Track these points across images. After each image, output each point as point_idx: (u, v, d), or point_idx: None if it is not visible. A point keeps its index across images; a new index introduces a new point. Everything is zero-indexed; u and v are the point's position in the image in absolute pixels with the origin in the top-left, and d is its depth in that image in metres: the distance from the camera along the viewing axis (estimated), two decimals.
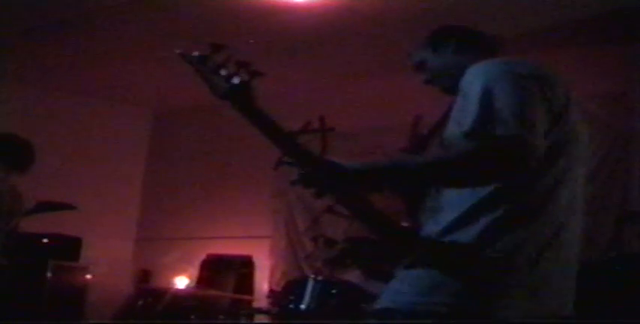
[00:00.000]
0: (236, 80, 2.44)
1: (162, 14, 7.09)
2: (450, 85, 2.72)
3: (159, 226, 9.86)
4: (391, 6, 6.68)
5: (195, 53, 2.47)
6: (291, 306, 5.76)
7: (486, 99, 2.31)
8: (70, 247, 8.47)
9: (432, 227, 2.48)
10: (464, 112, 2.36)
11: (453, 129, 2.44)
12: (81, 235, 8.44)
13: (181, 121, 10.14)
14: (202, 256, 8.87)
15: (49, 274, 7.94)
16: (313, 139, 8.00)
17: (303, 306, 5.62)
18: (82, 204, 7.89)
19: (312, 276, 5.79)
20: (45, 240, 8.21)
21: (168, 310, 7.99)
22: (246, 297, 8.22)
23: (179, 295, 8.20)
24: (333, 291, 5.73)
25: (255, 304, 8.02)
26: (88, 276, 8.46)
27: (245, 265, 8.60)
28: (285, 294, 6.10)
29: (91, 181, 9.40)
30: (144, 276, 9.35)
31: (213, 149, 9.59)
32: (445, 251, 2.40)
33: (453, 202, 2.43)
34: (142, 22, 7.35)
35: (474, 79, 2.42)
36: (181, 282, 8.76)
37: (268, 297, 7.08)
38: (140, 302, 8.42)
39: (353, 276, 6.28)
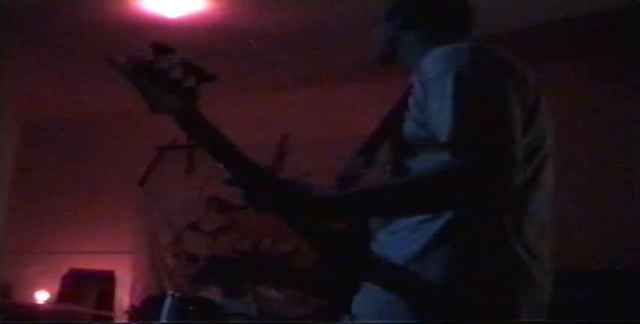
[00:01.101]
0: (186, 90, 2.19)
1: (31, 20, 6.98)
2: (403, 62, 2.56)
3: (21, 239, 9.68)
4: (268, 21, 6.76)
5: (130, 62, 2.15)
6: (149, 322, 5.78)
7: (461, 101, 2.07)
8: None
9: (389, 240, 2.29)
10: (430, 113, 2.16)
11: (413, 129, 2.26)
12: None
13: (50, 133, 10.01)
14: (64, 271, 8.76)
15: None
16: (178, 155, 8.02)
17: (160, 322, 5.65)
18: None
19: (170, 292, 5.82)
20: None
21: None
22: (106, 313, 8.17)
23: (39, 311, 8.10)
24: (191, 308, 5.76)
25: (116, 320, 7.99)
26: None
27: (107, 281, 8.56)
28: (144, 310, 6.13)
29: None
30: (5, 290, 9.20)
31: (80, 162, 9.49)
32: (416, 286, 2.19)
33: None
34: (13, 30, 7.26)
35: (441, 71, 2.16)
36: (42, 296, 8.66)
37: (127, 313, 7.09)
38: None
39: (213, 293, 6.35)
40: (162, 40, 2.19)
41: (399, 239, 2.24)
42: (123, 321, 7.53)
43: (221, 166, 2.31)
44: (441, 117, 2.09)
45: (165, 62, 2.15)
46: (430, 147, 2.18)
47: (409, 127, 2.27)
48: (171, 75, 2.15)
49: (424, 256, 2.16)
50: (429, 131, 2.16)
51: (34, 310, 8.23)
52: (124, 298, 8.49)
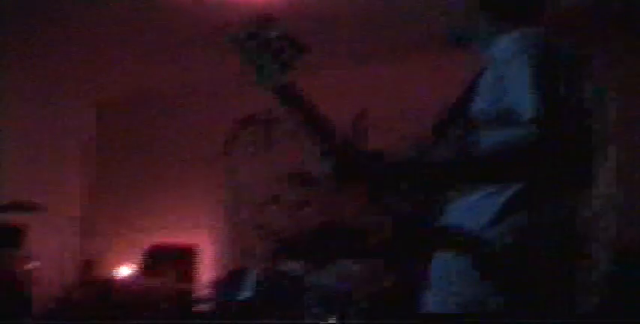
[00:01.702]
0: (287, 60, 2.35)
1: None
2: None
3: (103, 216, 9.81)
4: None
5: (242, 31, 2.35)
6: (232, 296, 5.77)
7: (539, 81, 2.23)
8: (12, 236, 8.38)
9: (462, 208, 2.38)
10: (507, 92, 2.29)
11: (484, 106, 2.39)
12: (24, 224, 8.35)
13: (129, 109, 10.08)
14: (146, 246, 8.85)
15: None
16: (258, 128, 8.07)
17: (244, 296, 5.64)
18: (26, 193, 7.84)
19: (254, 266, 5.81)
20: None
21: (112, 301, 7.97)
22: (188, 286, 8.19)
23: (123, 285, 8.17)
24: (275, 281, 5.74)
25: (198, 294, 8.02)
26: (31, 266, 8.38)
27: (188, 255, 8.61)
28: (227, 284, 6.12)
29: (35, 171, 9.31)
30: (88, 266, 9.29)
31: (160, 138, 9.56)
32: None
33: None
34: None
35: (519, 53, 2.31)
36: (126, 272, 8.73)
37: (210, 287, 7.10)
38: (84, 292, 8.39)
39: (294, 267, 6.32)
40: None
41: (472, 207, 2.33)
42: (205, 295, 7.55)
43: (306, 138, 2.37)
44: (520, 96, 2.24)
45: (271, 32, 2.33)
46: (503, 123, 2.30)
47: (480, 105, 2.39)
48: (275, 45, 2.32)
49: (498, 223, 2.26)
50: (504, 109, 2.29)
51: (117, 285, 8.30)
52: (205, 273, 8.51)
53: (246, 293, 5.72)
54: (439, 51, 6.33)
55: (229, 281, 6.24)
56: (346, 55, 8.13)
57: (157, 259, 8.66)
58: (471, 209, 2.33)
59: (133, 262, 8.87)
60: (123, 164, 9.86)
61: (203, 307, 6.97)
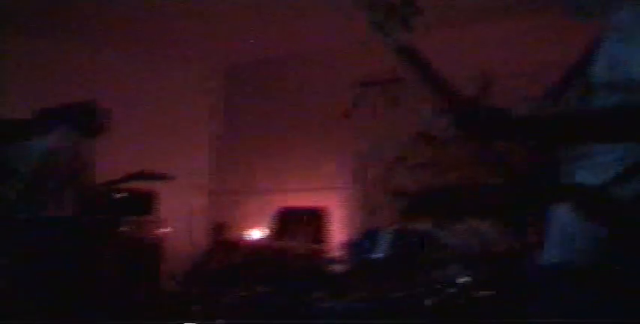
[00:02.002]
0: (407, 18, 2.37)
1: None
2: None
3: (232, 180, 9.93)
4: None
5: None
6: (366, 256, 5.76)
7: None
8: (143, 202, 8.50)
9: (585, 166, 2.37)
10: (629, 61, 2.25)
11: (605, 71, 2.34)
12: (155, 189, 8.46)
13: (250, 74, 10.14)
14: (276, 209, 8.91)
15: (123, 229, 7.97)
16: (383, 89, 8.03)
17: (377, 256, 5.62)
18: (154, 158, 7.96)
19: (386, 226, 5.78)
20: (118, 195, 8.22)
21: (243, 264, 8.05)
22: (320, 248, 8.22)
23: (255, 248, 8.24)
24: (407, 240, 5.70)
25: (330, 255, 8.03)
26: (163, 230, 8.51)
27: (318, 217, 8.63)
28: (361, 244, 6.11)
29: (162, 135, 9.43)
30: (219, 229, 9.39)
31: (284, 101, 9.59)
32: None
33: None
34: None
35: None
36: (256, 234, 8.80)
37: (342, 248, 7.09)
38: (216, 255, 8.49)
39: (424, 226, 6.27)
40: None
41: (596, 165, 2.30)
42: (338, 256, 7.57)
43: (430, 98, 2.36)
44: None
45: None
46: (621, 90, 2.25)
47: (601, 69, 2.33)
48: (400, 4, 2.35)
49: (623, 180, 2.21)
50: (623, 76, 2.24)
51: (248, 249, 8.37)
52: (335, 234, 8.52)
53: (378, 253, 5.69)
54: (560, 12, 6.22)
55: (361, 241, 6.22)
56: (468, 12, 7.99)
57: (287, 222, 8.71)
58: (594, 167, 2.30)
59: (263, 225, 8.94)
60: (250, 128, 9.92)
61: (336, 268, 6.96)
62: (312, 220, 8.58)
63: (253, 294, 6.93)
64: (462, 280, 5.46)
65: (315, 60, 9.35)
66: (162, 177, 7.18)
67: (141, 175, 6.71)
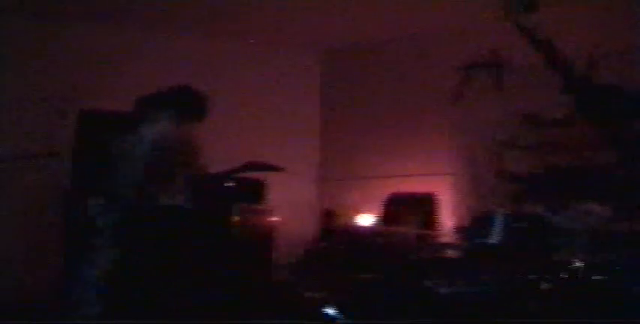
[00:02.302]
0: None
1: None
2: None
3: (340, 167, 9.95)
4: None
5: None
6: (479, 240, 5.71)
7: None
8: (253, 190, 8.56)
9: None
10: None
11: None
12: (263, 178, 8.51)
13: (351, 60, 10.13)
14: (385, 195, 8.90)
15: (235, 218, 8.05)
16: (486, 72, 7.96)
17: (491, 240, 5.58)
18: (260, 148, 8.00)
19: (499, 210, 5.72)
20: (229, 184, 8.27)
21: (354, 250, 8.05)
22: (432, 233, 8.17)
23: (366, 233, 8.24)
24: (521, 224, 5.64)
25: (442, 241, 7.99)
26: (274, 218, 8.57)
27: (428, 203, 8.59)
28: (473, 229, 6.07)
29: (267, 125, 9.48)
30: (328, 216, 9.42)
31: (386, 86, 9.56)
32: None
33: None
34: None
35: None
36: (366, 221, 8.79)
37: (455, 233, 7.06)
38: (327, 242, 8.52)
39: (537, 209, 6.19)
40: None
41: None
42: (451, 241, 7.53)
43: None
44: None
45: None
46: None
47: None
48: None
49: None
50: None
51: (359, 235, 8.37)
52: (446, 219, 8.48)
53: (492, 237, 5.64)
54: None
55: (474, 226, 6.18)
56: None
57: (397, 207, 8.69)
58: None
59: (373, 212, 8.93)
60: (358, 114, 9.91)
61: (450, 253, 6.93)
62: (422, 206, 8.54)
63: (366, 280, 6.93)
64: (577, 264, 5.38)
65: (419, 43, 9.28)
66: (274, 168, 7.20)
67: (254, 166, 6.75)
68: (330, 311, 5.85)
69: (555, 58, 2.24)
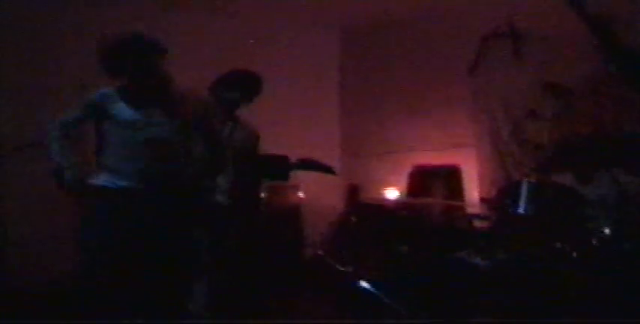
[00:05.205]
0: None
1: None
2: None
3: (363, 141, 9.96)
4: None
5: None
6: (508, 210, 5.75)
7: None
8: (280, 168, 8.56)
9: None
10: None
11: None
12: (289, 154, 8.53)
13: (369, 36, 10.12)
14: (409, 168, 8.95)
15: (263, 195, 8.09)
16: (504, 42, 7.97)
17: (520, 210, 5.61)
18: (283, 125, 8.05)
19: (527, 179, 5.76)
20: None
21: (380, 223, 8.11)
22: (459, 204, 8.23)
23: (393, 207, 8.27)
24: (549, 194, 5.67)
25: (469, 212, 8.02)
26: (300, 195, 8.63)
27: (453, 175, 8.62)
28: (500, 199, 6.10)
29: (288, 103, 9.49)
30: (354, 191, 9.48)
31: (407, 59, 9.53)
32: None
33: None
34: None
35: None
36: (391, 194, 8.84)
37: (482, 203, 7.10)
38: (354, 217, 8.57)
39: (565, 179, 6.23)
40: None
41: None
42: (475, 212, 7.58)
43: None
44: None
45: None
46: None
47: None
48: None
49: None
50: None
51: (385, 208, 8.41)
52: (471, 190, 8.52)
53: (520, 207, 5.68)
54: None
55: (501, 196, 6.21)
56: None
57: (422, 180, 8.72)
58: None
59: (399, 185, 8.98)
60: (380, 88, 9.92)
61: (479, 224, 6.98)
62: (448, 178, 8.57)
63: (395, 253, 7.01)
64: (606, 231, 5.44)
65: (435, 16, 9.24)
66: (328, 170, 7.23)
67: (310, 165, 6.85)
68: (364, 285, 5.94)
69: (600, 28, 2.28)
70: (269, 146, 8.07)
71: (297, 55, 9.81)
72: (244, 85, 5.96)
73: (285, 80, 9.53)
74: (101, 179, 4.66)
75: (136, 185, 4.62)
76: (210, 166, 5.13)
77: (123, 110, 4.68)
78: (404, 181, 8.96)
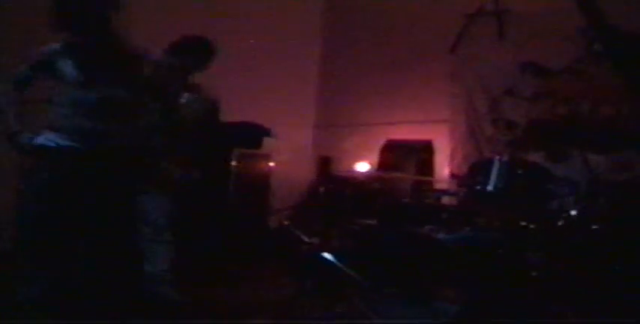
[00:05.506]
0: None
1: None
2: None
3: (337, 113, 9.92)
4: None
5: None
6: (477, 187, 5.71)
7: None
8: (252, 136, 8.52)
9: None
10: None
11: None
12: (263, 123, 8.48)
13: (354, 8, 10.05)
14: (382, 142, 8.89)
15: (233, 163, 8.03)
16: (488, 21, 7.92)
17: (490, 187, 5.58)
18: (259, 93, 7.96)
19: (498, 157, 5.71)
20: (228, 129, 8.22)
21: (350, 196, 8.08)
22: (428, 179, 8.18)
23: (362, 179, 8.24)
24: (520, 171, 5.63)
25: (438, 187, 8.00)
26: (271, 163, 8.56)
27: (425, 150, 8.58)
28: (471, 176, 6.07)
29: (266, 71, 9.41)
30: (325, 162, 9.43)
31: (388, 33, 9.47)
32: None
33: None
34: None
35: None
36: (362, 167, 8.80)
37: (452, 179, 7.07)
38: (322, 188, 8.54)
39: (536, 158, 6.20)
40: None
41: None
42: (445, 187, 7.56)
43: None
44: None
45: None
46: None
47: None
48: None
49: None
50: None
51: (356, 181, 8.38)
52: (442, 166, 8.48)
53: (490, 184, 5.64)
54: None
55: (471, 173, 6.18)
56: None
57: (394, 154, 8.68)
58: None
59: (370, 158, 8.93)
60: (356, 61, 9.85)
61: (448, 200, 6.96)
62: (419, 153, 8.53)
63: (362, 227, 6.97)
64: (573, 212, 5.40)
65: None
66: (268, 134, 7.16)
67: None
68: (328, 256, 5.89)
69: (588, 7, 2.22)
70: (242, 114, 8.04)
71: (279, 26, 9.71)
72: (196, 51, 5.70)
73: (266, 50, 9.44)
74: (42, 138, 4.54)
75: (79, 145, 4.51)
76: (161, 131, 5.02)
77: (68, 67, 4.54)
78: (376, 154, 8.89)
